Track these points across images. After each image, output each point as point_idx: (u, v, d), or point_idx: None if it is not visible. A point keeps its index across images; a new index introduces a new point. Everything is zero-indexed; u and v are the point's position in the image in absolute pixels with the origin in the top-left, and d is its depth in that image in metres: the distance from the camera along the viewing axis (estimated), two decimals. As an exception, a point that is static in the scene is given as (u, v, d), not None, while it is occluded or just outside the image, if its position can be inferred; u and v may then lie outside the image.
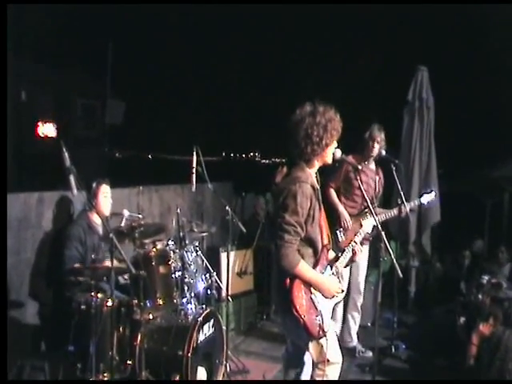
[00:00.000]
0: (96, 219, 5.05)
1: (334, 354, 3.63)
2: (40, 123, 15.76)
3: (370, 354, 5.90)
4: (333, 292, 3.54)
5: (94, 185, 5.10)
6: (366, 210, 5.27)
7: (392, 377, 5.43)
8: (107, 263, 4.69)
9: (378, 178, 5.82)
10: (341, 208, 5.64)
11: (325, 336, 3.47)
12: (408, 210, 5.66)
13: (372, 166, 5.83)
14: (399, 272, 4.02)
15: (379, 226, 3.95)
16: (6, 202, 3.45)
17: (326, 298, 3.53)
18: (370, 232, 4.06)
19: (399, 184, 5.72)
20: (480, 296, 5.86)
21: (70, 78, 16.07)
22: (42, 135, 15.72)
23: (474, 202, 8.78)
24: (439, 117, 7.55)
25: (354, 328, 6.08)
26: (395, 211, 5.70)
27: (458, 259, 7.96)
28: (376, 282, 6.77)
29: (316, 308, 3.45)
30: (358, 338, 6.10)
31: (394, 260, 4.04)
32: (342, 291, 3.71)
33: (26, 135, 15.17)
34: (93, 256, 4.82)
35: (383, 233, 4.01)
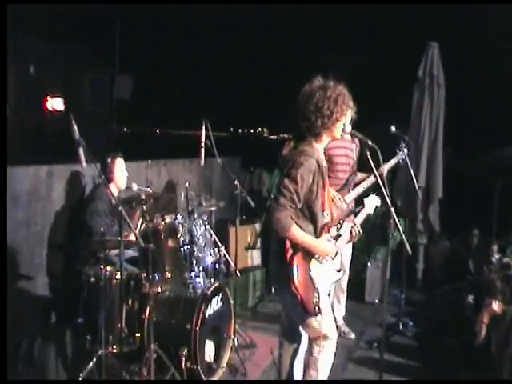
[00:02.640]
0: (113, 192, 5.02)
1: (329, 330, 3.63)
2: (48, 97, 15.74)
3: (352, 335, 5.87)
4: (328, 253, 3.53)
5: (109, 159, 5.09)
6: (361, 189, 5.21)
7: (399, 354, 5.45)
8: (131, 236, 4.68)
9: (354, 145, 5.66)
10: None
11: (320, 313, 3.46)
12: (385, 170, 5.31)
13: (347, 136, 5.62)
14: (408, 248, 3.99)
15: (389, 202, 3.92)
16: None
17: (323, 260, 3.51)
18: (372, 213, 3.99)
19: (408, 161, 5.68)
20: (490, 275, 5.85)
21: (78, 53, 16.00)
22: (51, 109, 15.72)
23: (484, 181, 8.72)
24: (450, 94, 7.48)
25: (339, 307, 5.94)
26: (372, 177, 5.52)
27: (466, 237, 7.94)
28: (384, 259, 6.77)
29: (314, 285, 3.44)
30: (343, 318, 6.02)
31: (403, 236, 4.01)
32: (340, 270, 3.72)
33: (35, 109, 15.16)
34: (102, 229, 4.82)
35: (392, 209, 3.98)
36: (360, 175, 5.54)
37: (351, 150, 5.57)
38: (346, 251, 5.66)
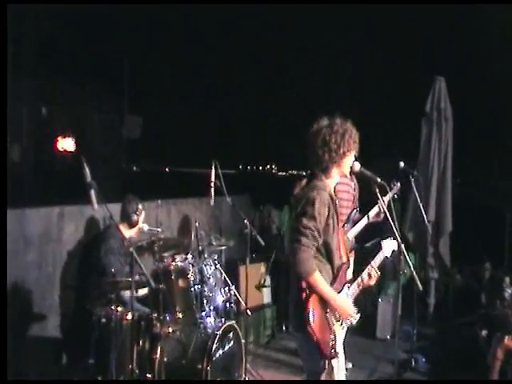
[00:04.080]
0: (124, 232, 5.07)
1: (341, 376, 3.58)
2: (59, 138, 15.98)
3: (349, 365, 5.80)
4: (346, 312, 3.48)
5: (129, 202, 5.20)
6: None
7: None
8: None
9: (353, 183, 5.70)
10: None
11: (336, 357, 3.42)
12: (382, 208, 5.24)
13: None
14: (419, 284, 3.97)
15: (398, 237, 3.92)
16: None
17: (339, 317, 3.47)
18: (389, 256, 3.97)
19: (418, 196, 5.70)
20: (503, 309, 5.80)
21: (88, 94, 16.26)
22: (62, 149, 15.93)
23: (494, 212, 8.71)
24: (458, 127, 7.52)
25: None
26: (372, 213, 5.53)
27: (477, 271, 7.89)
28: (395, 295, 6.72)
29: (330, 328, 3.41)
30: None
31: (414, 272, 4.00)
32: (357, 314, 3.63)
33: (46, 150, 15.37)
34: (112, 270, 4.84)
35: (402, 245, 3.98)
36: (358, 215, 5.58)
37: (351, 186, 5.63)
38: None
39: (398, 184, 5.61)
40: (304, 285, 3.37)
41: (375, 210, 5.41)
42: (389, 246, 3.91)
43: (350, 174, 5.12)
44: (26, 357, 4.73)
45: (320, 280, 3.34)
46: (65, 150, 15.93)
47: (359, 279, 3.66)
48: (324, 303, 3.40)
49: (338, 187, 5.37)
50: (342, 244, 3.65)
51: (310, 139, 3.52)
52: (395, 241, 3.96)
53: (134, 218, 5.15)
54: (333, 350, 3.38)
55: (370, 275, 3.68)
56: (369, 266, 3.71)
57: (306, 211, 3.36)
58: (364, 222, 5.44)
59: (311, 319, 3.32)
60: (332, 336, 3.40)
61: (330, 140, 3.44)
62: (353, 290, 3.61)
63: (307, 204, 3.38)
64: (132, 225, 5.16)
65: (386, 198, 4.87)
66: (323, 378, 3.50)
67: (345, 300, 3.51)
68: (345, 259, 3.62)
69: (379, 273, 3.74)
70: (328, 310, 3.42)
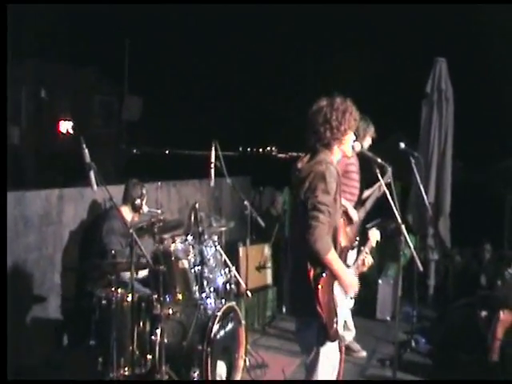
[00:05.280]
0: (125, 215, 5.07)
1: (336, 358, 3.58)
2: (61, 121, 16.00)
3: (363, 353, 5.77)
4: (354, 288, 3.49)
5: (136, 185, 5.22)
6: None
7: (413, 371, 5.40)
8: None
9: (358, 163, 5.62)
10: (351, 208, 5.23)
11: (339, 339, 3.44)
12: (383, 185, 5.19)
13: None
14: (419, 265, 3.99)
15: (399, 219, 3.92)
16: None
17: (347, 293, 3.48)
18: (378, 240, 3.95)
19: (418, 177, 5.68)
20: (503, 289, 5.81)
21: (88, 76, 16.19)
22: (65, 131, 15.96)
23: (494, 193, 8.71)
24: (459, 108, 7.49)
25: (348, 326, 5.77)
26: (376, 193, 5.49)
27: (478, 252, 7.89)
28: (396, 276, 6.74)
29: (335, 309, 3.40)
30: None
31: (414, 253, 4.00)
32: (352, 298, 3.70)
33: (46, 132, 15.34)
34: (113, 250, 4.84)
35: (403, 226, 3.98)
36: (366, 192, 5.53)
37: (358, 167, 5.57)
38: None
39: (390, 170, 5.50)
40: (309, 264, 3.32)
41: (376, 190, 5.38)
42: (374, 236, 3.88)
43: (357, 155, 5.11)
44: (27, 338, 4.75)
45: (336, 257, 3.34)
46: (67, 132, 15.93)
47: (355, 265, 3.66)
48: (331, 285, 3.38)
49: (350, 167, 5.33)
50: (343, 225, 3.64)
51: (311, 118, 3.50)
52: (378, 231, 3.92)
53: (138, 202, 5.17)
54: (336, 334, 3.39)
55: (363, 262, 3.69)
56: (363, 253, 3.71)
57: (317, 186, 3.30)
58: (371, 202, 5.39)
59: (321, 301, 3.30)
60: (336, 319, 3.40)
61: (331, 117, 3.42)
62: (352, 270, 3.61)
63: (318, 178, 3.32)
64: (136, 209, 5.19)
65: (385, 179, 4.85)
66: (323, 358, 3.49)
67: (353, 275, 3.52)
68: (345, 242, 3.59)
69: (372, 260, 3.74)
70: (334, 292, 3.40)
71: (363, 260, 3.68)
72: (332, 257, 3.29)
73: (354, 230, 4.45)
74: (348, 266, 3.55)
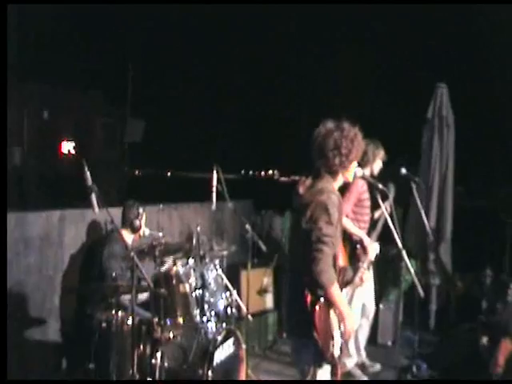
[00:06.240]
0: (126, 237, 5.06)
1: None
2: (64, 142, 16.08)
3: (378, 366, 5.77)
4: (352, 323, 3.46)
5: (129, 206, 5.22)
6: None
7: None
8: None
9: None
10: (366, 237, 5.20)
11: (334, 363, 3.42)
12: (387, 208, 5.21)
13: None
14: (421, 291, 3.98)
15: (400, 244, 3.92)
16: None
17: (346, 328, 3.45)
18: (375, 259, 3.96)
19: (419, 201, 5.68)
20: (505, 314, 5.78)
21: (90, 98, 16.29)
22: (67, 152, 16.03)
23: (495, 219, 8.71)
24: (460, 134, 7.51)
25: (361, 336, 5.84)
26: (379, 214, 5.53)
27: (479, 277, 7.86)
28: (396, 301, 6.71)
29: (332, 333, 3.40)
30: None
31: (415, 279, 4.00)
32: None
33: (48, 154, 15.39)
34: (113, 274, 4.84)
35: (404, 251, 3.98)
36: (376, 213, 5.56)
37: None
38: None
39: (391, 196, 5.49)
40: (306, 290, 3.34)
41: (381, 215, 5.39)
42: (373, 250, 3.90)
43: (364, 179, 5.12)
44: (26, 361, 4.72)
45: (338, 291, 3.35)
46: (69, 153, 16.00)
47: (353, 283, 3.66)
48: (328, 310, 3.39)
49: (363, 195, 5.32)
50: (342, 247, 3.64)
51: (320, 141, 3.47)
52: (377, 244, 3.95)
53: (137, 223, 5.16)
54: (332, 357, 3.38)
55: (361, 278, 3.69)
56: (361, 269, 3.71)
57: (320, 217, 3.30)
58: (381, 224, 5.38)
59: (318, 325, 3.31)
60: (332, 342, 3.38)
61: (341, 145, 3.41)
62: (348, 292, 3.62)
63: (320, 209, 3.32)
64: (135, 230, 5.17)
65: (387, 204, 4.85)
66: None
67: (353, 313, 3.52)
68: (342, 263, 3.59)
69: (371, 274, 3.76)
70: (331, 316, 3.40)
71: (361, 277, 3.69)
72: (335, 291, 3.31)
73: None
74: (347, 283, 3.55)
